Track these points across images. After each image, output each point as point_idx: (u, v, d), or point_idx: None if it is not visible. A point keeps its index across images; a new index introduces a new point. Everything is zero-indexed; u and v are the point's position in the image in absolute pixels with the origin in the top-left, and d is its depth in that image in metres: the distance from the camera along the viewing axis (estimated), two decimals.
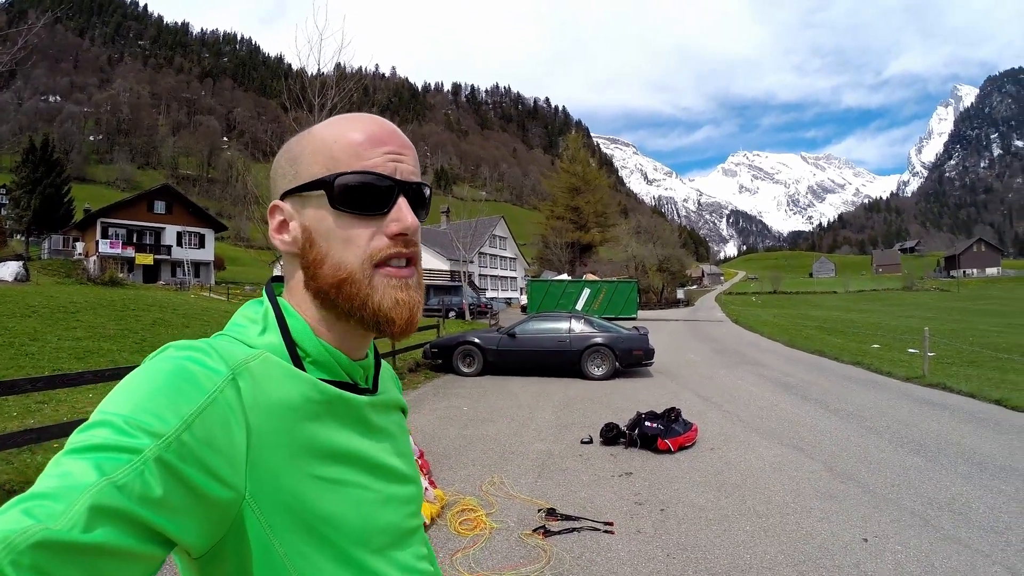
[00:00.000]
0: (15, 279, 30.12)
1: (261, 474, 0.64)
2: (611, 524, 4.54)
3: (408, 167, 0.79)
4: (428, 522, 4.47)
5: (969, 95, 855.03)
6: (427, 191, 0.82)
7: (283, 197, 0.79)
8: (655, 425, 6.91)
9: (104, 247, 45.14)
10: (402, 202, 0.77)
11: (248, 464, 0.63)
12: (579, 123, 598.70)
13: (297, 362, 0.73)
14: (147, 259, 47.92)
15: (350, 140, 0.76)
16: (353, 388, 0.78)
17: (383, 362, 0.91)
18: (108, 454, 0.54)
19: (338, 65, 16.72)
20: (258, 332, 0.75)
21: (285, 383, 0.70)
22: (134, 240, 48.64)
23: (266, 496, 0.64)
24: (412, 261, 0.79)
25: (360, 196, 0.75)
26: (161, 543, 0.55)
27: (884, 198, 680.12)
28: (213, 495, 0.59)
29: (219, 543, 0.63)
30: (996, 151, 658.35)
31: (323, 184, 0.75)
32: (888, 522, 4.60)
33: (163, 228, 50.79)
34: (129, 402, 0.59)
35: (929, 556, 3.98)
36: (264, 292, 0.82)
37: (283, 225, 0.80)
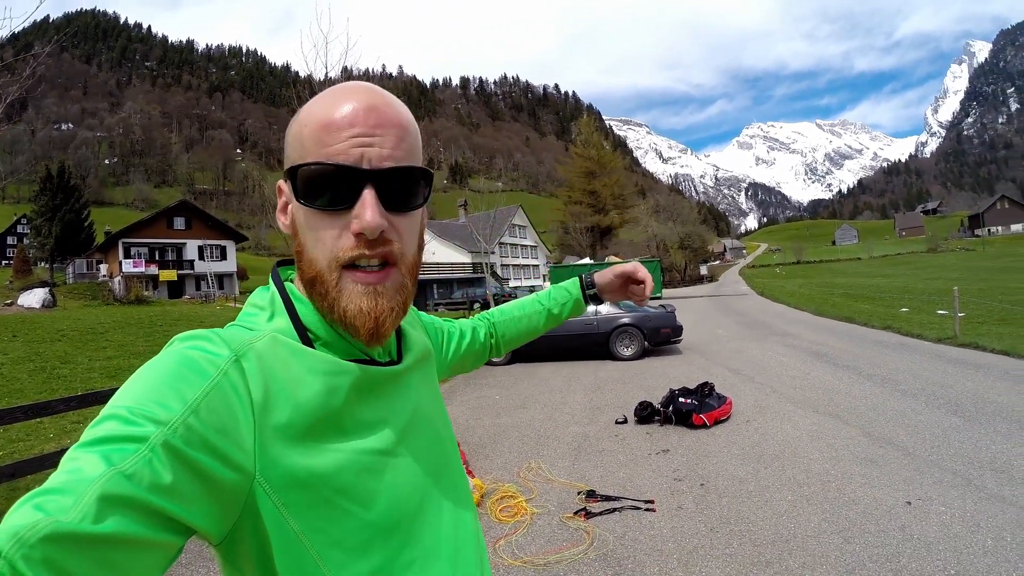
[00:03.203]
0: (43, 305, 30.63)
1: (271, 453, 0.63)
2: (652, 502, 4.53)
3: (380, 151, 0.69)
4: None
5: (983, 51, 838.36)
6: (416, 175, 0.73)
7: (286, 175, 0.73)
8: (689, 401, 6.89)
9: (127, 267, 45.69)
10: (367, 196, 0.68)
11: (257, 444, 0.62)
12: (590, 107, 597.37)
13: (308, 344, 0.71)
14: (171, 275, 48.48)
15: (317, 122, 0.69)
16: (371, 363, 0.75)
17: (417, 313, 0.90)
18: (115, 445, 0.53)
19: (345, 68, 16.77)
20: (267, 319, 0.73)
21: (293, 360, 0.68)
22: (156, 257, 49.22)
23: (277, 475, 0.63)
24: (389, 260, 0.72)
25: (319, 190, 0.69)
26: (176, 530, 0.54)
27: (903, 160, 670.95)
28: (223, 478, 0.58)
29: (235, 527, 0.62)
30: (1014, 106, 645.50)
31: (290, 175, 0.71)
32: (931, 484, 4.54)
33: (184, 244, 51.31)
34: (134, 394, 0.58)
35: (974, 516, 3.93)
36: (271, 277, 0.79)
37: (286, 206, 0.76)
